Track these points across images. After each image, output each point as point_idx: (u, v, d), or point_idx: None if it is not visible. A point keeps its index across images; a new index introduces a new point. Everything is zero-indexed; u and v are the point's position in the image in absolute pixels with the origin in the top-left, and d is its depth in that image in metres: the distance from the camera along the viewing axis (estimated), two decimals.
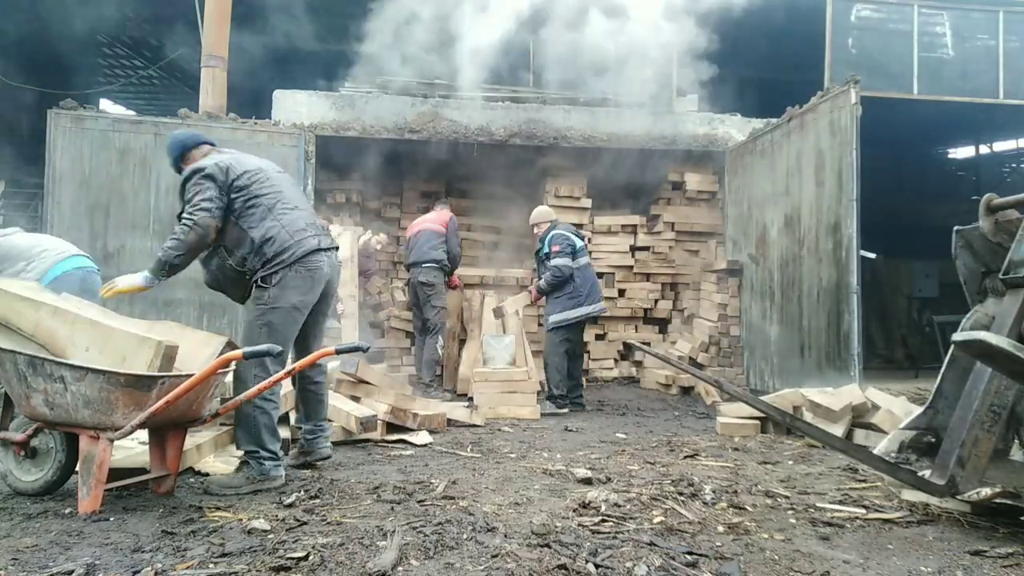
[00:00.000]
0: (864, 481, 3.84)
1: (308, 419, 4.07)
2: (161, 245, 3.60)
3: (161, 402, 3.02)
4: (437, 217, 7.72)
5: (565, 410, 6.53)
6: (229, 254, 3.65)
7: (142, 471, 3.46)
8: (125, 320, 3.65)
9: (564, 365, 6.70)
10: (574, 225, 8.40)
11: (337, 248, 4.00)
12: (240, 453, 4.21)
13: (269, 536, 2.69)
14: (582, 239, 7.04)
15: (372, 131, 8.19)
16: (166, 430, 3.34)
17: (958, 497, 3.05)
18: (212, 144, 3.92)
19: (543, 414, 6.35)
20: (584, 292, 6.70)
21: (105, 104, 15.16)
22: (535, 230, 7.13)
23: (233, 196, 3.60)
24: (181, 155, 3.82)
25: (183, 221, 3.54)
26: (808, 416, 5.09)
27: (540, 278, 6.95)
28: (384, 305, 8.58)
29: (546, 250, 6.82)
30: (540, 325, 8.63)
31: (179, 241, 3.51)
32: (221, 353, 3.35)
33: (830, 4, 8.81)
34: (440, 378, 7.64)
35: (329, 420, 4.26)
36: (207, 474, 3.81)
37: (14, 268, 4.54)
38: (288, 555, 2.45)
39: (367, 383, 5.44)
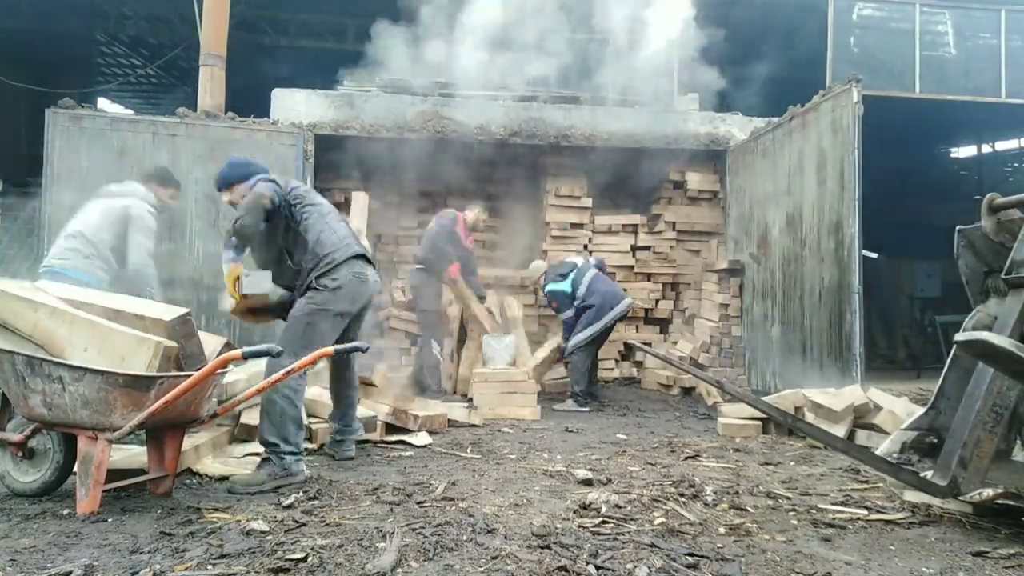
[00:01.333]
0: (866, 482, 3.83)
1: (339, 417, 4.36)
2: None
3: (160, 402, 3.01)
4: (435, 219, 7.58)
5: (586, 409, 6.58)
6: (290, 256, 3.98)
7: (140, 472, 3.44)
8: (141, 303, 3.64)
9: (587, 366, 6.83)
10: (573, 224, 8.45)
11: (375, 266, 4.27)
12: (239, 453, 4.22)
13: (268, 537, 2.68)
14: (573, 268, 7.02)
15: (371, 130, 8.15)
16: (164, 431, 3.33)
17: (960, 498, 3.04)
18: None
19: (560, 409, 6.50)
20: (597, 305, 6.78)
21: (103, 103, 15.15)
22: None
23: (292, 202, 3.95)
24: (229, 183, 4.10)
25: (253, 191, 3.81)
26: (810, 417, 5.07)
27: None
28: (383, 305, 8.55)
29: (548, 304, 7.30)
30: (541, 325, 8.61)
31: (245, 207, 3.74)
32: (219, 354, 3.35)
33: (832, 3, 8.79)
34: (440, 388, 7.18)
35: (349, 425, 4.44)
36: (205, 475, 3.80)
37: None
38: (287, 556, 2.44)
39: (369, 384, 5.42)
